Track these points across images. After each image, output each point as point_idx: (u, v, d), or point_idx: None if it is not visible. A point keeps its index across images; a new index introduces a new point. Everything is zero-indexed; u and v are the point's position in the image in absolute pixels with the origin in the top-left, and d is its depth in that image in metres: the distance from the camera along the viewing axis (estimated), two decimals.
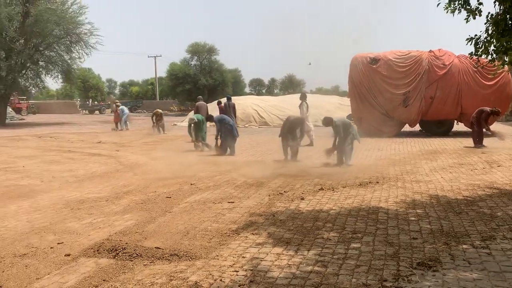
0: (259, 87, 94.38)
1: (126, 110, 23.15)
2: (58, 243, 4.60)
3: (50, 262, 4.08)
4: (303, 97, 14.74)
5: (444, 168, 9.21)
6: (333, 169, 9.17)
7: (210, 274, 3.68)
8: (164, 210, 5.92)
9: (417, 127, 18.67)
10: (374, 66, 17.35)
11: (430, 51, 17.49)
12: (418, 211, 5.71)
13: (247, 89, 75.51)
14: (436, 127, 17.64)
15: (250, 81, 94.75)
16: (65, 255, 4.24)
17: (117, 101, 28.12)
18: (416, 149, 12.95)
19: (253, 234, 4.78)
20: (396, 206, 5.98)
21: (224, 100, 18.55)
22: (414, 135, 17.67)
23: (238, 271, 3.73)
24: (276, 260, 4.00)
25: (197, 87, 46.51)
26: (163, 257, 4.10)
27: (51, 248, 4.47)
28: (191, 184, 7.70)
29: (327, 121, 9.86)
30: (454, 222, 5.16)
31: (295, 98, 30.94)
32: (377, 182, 7.69)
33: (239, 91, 53.79)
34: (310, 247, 4.35)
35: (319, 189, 7.12)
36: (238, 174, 8.70)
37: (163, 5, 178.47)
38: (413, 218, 5.35)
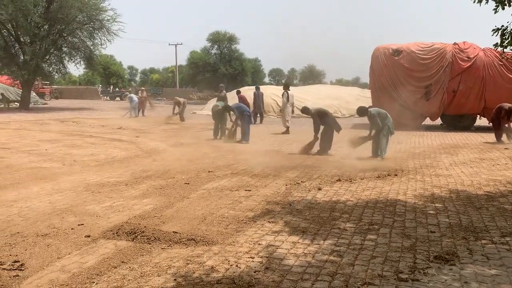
0: (279, 77, 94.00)
1: (135, 97, 23.44)
2: (78, 225, 4.71)
3: (70, 243, 4.19)
4: (285, 87, 16.34)
5: (464, 162, 9.06)
6: (357, 161, 9.05)
7: (226, 260, 3.73)
8: (182, 196, 5.99)
9: (439, 121, 18.35)
10: (396, 57, 17.08)
11: (455, 43, 17.11)
12: (436, 205, 5.65)
13: (266, 79, 75.39)
14: (458, 121, 17.31)
15: (269, 71, 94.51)
16: (85, 236, 4.34)
17: (142, 88, 28.40)
18: (436, 143, 12.75)
19: (270, 222, 4.81)
20: (414, 199, 5.92)
21: (245, 89, 18.79)
22: (435, 128, 17.37)
23: (253, 258, 3.77)
24: (292, 248, 4.02)
25: (217, 76, 46.60)
26: (180, 242, 4.17)
27: (71, 229, 4.58)
28: (208, 172, 7.76)
29: (362, 111, 9.70)
30: (473, 217, 5.09)
31: (315, 89, 30.83)
32: (396, 175, 7.62)
33: (259, 81, 53.66)
34: (326, 237, 4.35)
35: (337, 180, 7.10)
36: (256, 163, 8.73)
37: None
38: (431, 212, 5.30)
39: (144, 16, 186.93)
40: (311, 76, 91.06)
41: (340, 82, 78.92)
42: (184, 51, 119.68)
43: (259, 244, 4.13)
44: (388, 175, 7.61)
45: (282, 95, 16.13)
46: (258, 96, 19.09)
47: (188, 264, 3.64)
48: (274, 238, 4.30)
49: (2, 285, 3.27)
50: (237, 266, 3.59)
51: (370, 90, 19.34)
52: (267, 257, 3.79)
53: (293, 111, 16.41)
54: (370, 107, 10.04)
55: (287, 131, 15.16)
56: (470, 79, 16.38)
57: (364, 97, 25.52)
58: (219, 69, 48.14)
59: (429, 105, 16.86)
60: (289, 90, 16.12)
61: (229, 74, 48.26)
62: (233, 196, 6.03)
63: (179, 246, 4.08)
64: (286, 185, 6.74)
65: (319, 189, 6.48)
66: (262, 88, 23.49)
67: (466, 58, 16.52)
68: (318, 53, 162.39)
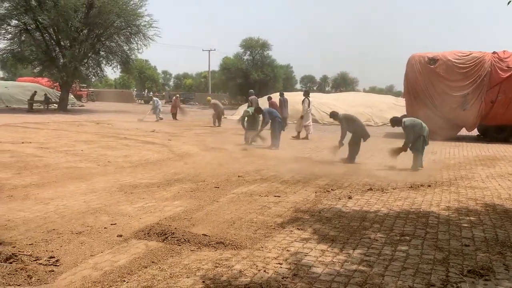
0: (311, 84, 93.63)
1: (159, 101, 23.98)
2: (111, 224, 4.83)
3: (103, 241, 4.30)
4: (306, 94, 16.54)
5: (502, 175, 8.75)
6: (389, 171, 8.90)
7: (254, 264, 3.74)
8: (212, 199, 6.05)
9: (475, 132, 17.81)
10: (432, 66, 16.70)
11: (494, 52, 16.58)
12: (471, 218, 5.48)
13: (297, 86, 75.22)
14: (496, 132, 16.73)
15: (301, 77, 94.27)
16: (117, 236, 4.45)
17: (177, 95, 28.95)
18: (472, 154, 12.37)
19: (298, 229, 4.79)
20: (448, 211, 5.76)
21: (276, 95, 18.86)
22: (471, 139, 16.86)
23: (282, 264, 3.76)
24: (320, 256, 3.99)
25: (248, 82, 46.86)
26: (209, 244, 4.21)
27: (104, 228, 4.70)
28: (238, 176, 7.81)
29: (395, 122, 9.49)
30: (510, 231, 4.91)
31: (347, 96, 30.53)
32: (429, 186, 7.44)
33: (290, 87, 53.66)
34: (356, 246, 4.30)
35: (368, 189, 7.00)
36: (285, 169, 8.71)
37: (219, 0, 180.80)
38: (465, 225, 5.14)
39: (179, 22, 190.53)
40: (344, 83, 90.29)
41: (374, 90, 77.79)
42: (217, 57, 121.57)
43: (287, 250, 4.12)
44: (421, 185, 7.45)
45: (303, 102, 16.30)
46: (283, 103, 19.10)
47: (216, 267, 3.67)
48: (303, 245, 4.28)
49: (38, 279, 3.40)
50: (265, 271, 3.60)
51: (404, 99, 19.00)
52: (295, 264, 3.78)
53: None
54: (403, 116, 9.83)
55: (297, 136, 15.59)
56: (509, 89, 15.82)
57: (398, 106, 25.12)
58: (251, 75, 48.39)
59: (466, 115, 16.38)
60: (309, 97, 16.37)
61: (260, 80, 48.43)
62: (262, 201, 6.05)
63: (208, 249, 4.12)
64: (315, 192, 6.70)
65: (350, 197, 6.40)
66: (293, 95, 23.51)
67: (506, 68, 15.97)
68: (351, 60, 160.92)
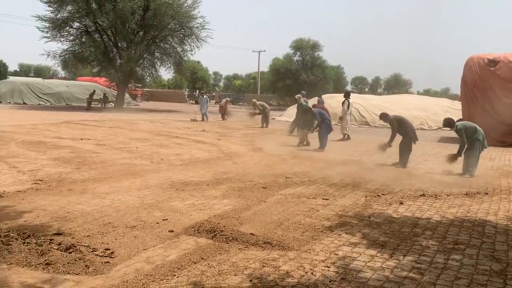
0: (362, 85, 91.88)
1: (207, 99, 24.34)
2: (163, 220, 4.99)
3: (155, 236, 4.45)
4: (346, 95, 16.27)
5: None
6: (443, 177, 8.57)
7: (302, 266, 3.73)
8: (260, 200, 6.10)
9: None
10: (493, 68, 15.88)
11: None
12: None
13: (349, 87, 74.02)
14: None
15: (352, 78, 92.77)
16: (168, 231, 4.60)
17: (227, 98, 29.45)
18: None
19: (347, 233, 4.73)
20: (506, 221, 5.47)
21: (328, 96, 18.87)
22: None
23: (329, 267, 3.73)
24: (369, 261, 3.92)
25: (298, 83, 46.68)
26: (257, 244, 4.25)
27: (157, 223, 4.87)
28: (286, 178, 7.81)
29: (448, 123, 9.12)
30: None
31: (400, 98, 29.67)
32: (486, 193, 7.09)
33: (340, 89, 52.88)
34: (407, 252, 4.18)
35: (420, 195, 6.77)
36: (334, 172, 8.62)
37: (271, 1, 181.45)
38: None
39: (230, 23, 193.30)
40: (397, 85, 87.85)
41: (428, 93, 75.13)
42: (267, 58, 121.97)
43: (335, 254, 4.08)
44: (477, 193, 7.11)
45: (343, 103, 16.08)
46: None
47: (264, 266, 3.70)
48: (351, 249, 4.23)
49: (95, 269, 3.58)
50: (312, 273, 3.58)
51: (460, 102, 18.22)
52: (343, 267, 3.74)
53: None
54: (459, 120, 9.42)
55: (343, 139, 15.36)
56: None
57: (454, 109, 24.12)
58: (300, 76, 48.18)
59: None
60: (349, 98, 16.13)
61: (310, 81, 48.08)
62: (310, 203, 6.02)
63: (255, 248, 4.16)
64: (365, 196, 6.58)
65: (401, 203, 6.23)
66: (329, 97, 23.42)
67: None
68: (405, 61, 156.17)
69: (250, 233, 4.53)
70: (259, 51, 62.52)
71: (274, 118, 26.77)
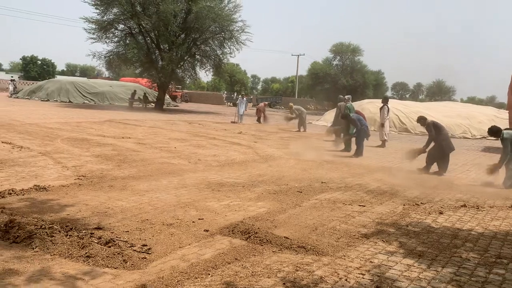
0: (403, 92, 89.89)
1: (243, 104, 24.38)
2: (199, 219, 5.07)
3: (191, 234, 4.53)
4: (385, 101, 15.77)
5: None
6: (486, 188, 8.25)
7: (336, 272, 3.69)
8: (295, 203, 6.07)
9: None
10: None
11: None
12: None
13: (389, 93, 72.56)
14: None
15: (393, 84, 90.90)
16: (204, 230, 4.66)
17: (265, 102, 29.59)
18: None
19: (383, 241, 4.64)
20: None
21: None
22: None
23: (364, 275, 3.67)
24: (405, 271, 3.83)
25: (336, 87, 46.22)
26: (291, 247, 4.24)
27: (193, 222, 4.95)
28: (322, 182, 7.75)
29: (494, 131, 8.75)
30: None
31: (442, 106, 28.81)
32: None
33: (380, 94, 51.93)
34: (445, 264, 4.05)
35: (461, 206, 6.54)
36: (372, 178, 8.47)
37: (311, 5, 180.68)
38: None
39: (269, 27, 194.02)
40: (439, 92, 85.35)
41: (473, 101, 72.53)
42: (305, 62, 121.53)
43: (370, 262, 4.01)
44: None
45: (381, 109, 15.67)
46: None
47: (297, 270, 3.68)
48: (387, 258, 4.14)
49: (132, 264, 3.67)
50: (346, 280, 3.54)
51: (507, 111, 17.47)
52: (378, 276, 3.67)
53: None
54: (506, 129, 9.01)
55: (382, 145, 15.01)
56: None
57: (499, 118, 23.19)
58: (339, 80, 47.68)
59: None
60: (388, 104, 15.68)
61: (349, 86, 47.50)
62: (346, 209, 5.94)
63: (289, 251, 4.15)
64: (403, 205, 6.43)
65: (441, 213, 6.05)
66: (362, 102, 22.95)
67: None
68: (448, 68, 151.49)
69: (284, 237, 4.52)
70: (298, 55, 62.40)
71: (311, 123, 26.62)
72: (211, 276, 3.51)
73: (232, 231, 4.64)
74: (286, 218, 5.29)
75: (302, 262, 3.88)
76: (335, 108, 18.48)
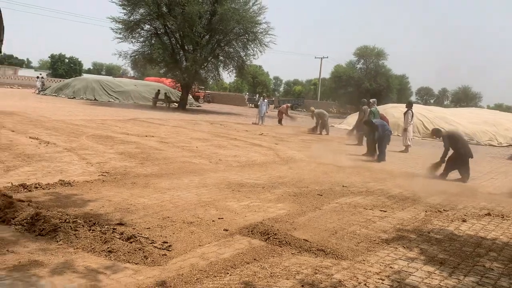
0: (427, 97, 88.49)
1: (264, 105, 24.33)
2: (218, 218, 5.10)
3: (210, 233, 4.56)
4: (409, 105, 15.43)
5: None
6: None
7: (355, 276, 3.66)
8: (315, 206, 6.05)
9: None
10: None
11: None
12: None
13: (413, 98, 71.51)
14: None
15: (417, 89, 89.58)
16: (223, 230, 4.69)
17: (288, 104, 29.54)
18: None
19: (404, 248, 4.58)
20: None
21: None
22: None
23: (383, 280, 3.64)
24: (426, 278, 3.77)
25: (360, 91, 45.80)
26: (310, 250, 4.22)
27: (212, 221, 4.99)
28: (343, 186, 7.69)
29: None
30: None
31: (468, 112, 28.20)
32: None
33: (404, 99, 51.24)
34: (468, 272, 3.98)
35: (486, 214, 6.40)
36: (394, 184, 8.36)
37: (334, 8, 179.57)
38: None
39: (293, 29, 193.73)
40: (465, 98, 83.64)
41: (500, 107, 70.78)
42: (329, 65, 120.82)
43: (390, 267, 3.96)
44: None
45: (405, 114, 15.40)
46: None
47: (316, 273, 3.67)
48: (408, 264, 4.09)
49: (153, 260, 3.73)
50: (365, 285, 3.51)
51: None
52: (398, 281, 3.63)
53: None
54: None
55: (405, 150, 14.75)
56: None
57: None
58: (363, 84, 47.24)
59: None
60: (412, 109, 15.38)
61: (372, 90, 46.99)
62: (366, 214, 5.89)
63: (308, 254, 4.14)
64: (425, 211, 6.32)
65: (464, 220, 5.93)
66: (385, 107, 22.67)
67: None
68: (475, 73, 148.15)
69: (304, 239, 4.51)
70: (321, 58, 62.03)
71: (333, 126, 26.45)
72: (230, 275, 3.53)
73: (252, 231, 4.66)
74: (306, 221, 5.28)
75: (321, 265, 3.87)
76: (358, 112, 18.32)
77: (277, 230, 4.72)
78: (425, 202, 6.92)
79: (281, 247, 4.26)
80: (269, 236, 4.50)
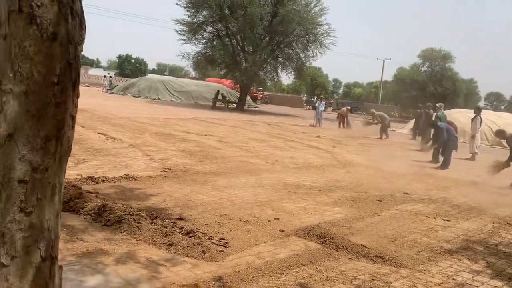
0: (497, 103, 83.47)
1: (321, 107, 23.90)
2: (274, 218, 5.12)
3: (266, 233, 4.59)
4: (477, 111, 14.78)
5: None
6: None
7: (414, 286, 3.54)
8: (374, 212, 5.90)
9: None
10: None
11: None
12: None
13: (481, 103, 67.66)
14: None
15: (487, 94, 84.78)
16: (279, 230, 4.70)
17: (348, 107, 29.03)
18: None
19: (469, 259, 4.35)
20: None
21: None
22: None
23: None
24: None
25: (424, 95, 43.99)
26: (367, 256, 4.13)
27: (268, 221, 5.02)
28: (404, 193, 7.43)
29: None
30: None
31: None
32: None
33: (471, 104, 48.58)
34: None
35: None
36: (458, 192, 7.96)
37: (399, 9, 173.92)
38: None
39: (354, 30, 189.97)
40: None
41: None
42: (391, 67, 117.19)
43: (453, 279, 3.78)
44: None
45: (473, 120, 14.50)
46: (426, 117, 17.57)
47: (373, 280, 3.58)
48: (472, 277, 3.88)
49: (210, 256, 3.81)
50: None
51: None
52: None
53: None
54: None
55: (472, 158, 13.95)
56: None
57: None
58: (427, 87, 45.34)
59: None
60: (480, 115, 14.47)
61: (438, 94, 44.92)
62: (428, 222, 5.65)
63: (366, 260, 4.05)
64: (493, 223, 5.96)
65: None
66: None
67: None
68: None
69: (362, 245, 4.41)
70: (383, 60, 60.25)
71: (394, 130, 25.63)
72: (285, 276, 3.53)
73: (308, 233, 4.63)
74: (364, 226, 5.16)
75: (379, 272, 3.77)
76: (416, 117, 17.55)
77: (334, 234, 4.65)
78: (492, 213, 6.53)
79: (337, 251, 4.20)
80: (325, 239, 4.45)
